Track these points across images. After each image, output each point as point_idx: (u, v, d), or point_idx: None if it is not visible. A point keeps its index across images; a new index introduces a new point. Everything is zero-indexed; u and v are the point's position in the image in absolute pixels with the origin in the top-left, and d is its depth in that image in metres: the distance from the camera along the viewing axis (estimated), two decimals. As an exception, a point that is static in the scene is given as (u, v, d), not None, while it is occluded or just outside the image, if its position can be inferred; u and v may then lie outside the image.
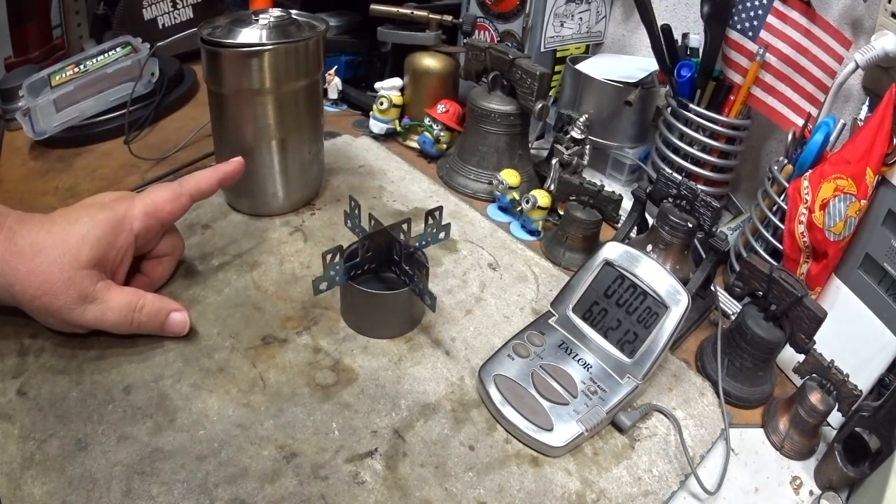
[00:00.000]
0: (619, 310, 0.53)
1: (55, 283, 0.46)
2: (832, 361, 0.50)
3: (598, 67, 0.84)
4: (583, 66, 0.84)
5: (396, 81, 0.88)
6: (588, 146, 0.75)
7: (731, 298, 0.64)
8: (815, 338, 0.51)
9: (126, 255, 0.51)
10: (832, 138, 0.59)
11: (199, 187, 0.55)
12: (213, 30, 0.61)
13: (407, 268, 0.54)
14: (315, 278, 0.51)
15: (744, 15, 0.67)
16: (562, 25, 0.87)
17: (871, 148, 0.54)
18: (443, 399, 0.51)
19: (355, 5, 1.00)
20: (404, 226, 0.55)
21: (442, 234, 0.60)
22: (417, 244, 0.57)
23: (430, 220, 0.58)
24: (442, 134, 0.83)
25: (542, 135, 0.94)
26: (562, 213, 0.71)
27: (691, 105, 0.71)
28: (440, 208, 0.57)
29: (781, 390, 0.57)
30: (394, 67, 0.95)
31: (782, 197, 0.62)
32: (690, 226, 0.60)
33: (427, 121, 0.84)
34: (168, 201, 0.53)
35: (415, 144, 0.87)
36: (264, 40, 0.60)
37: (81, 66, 0.81)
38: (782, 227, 0.61)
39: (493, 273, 0.66)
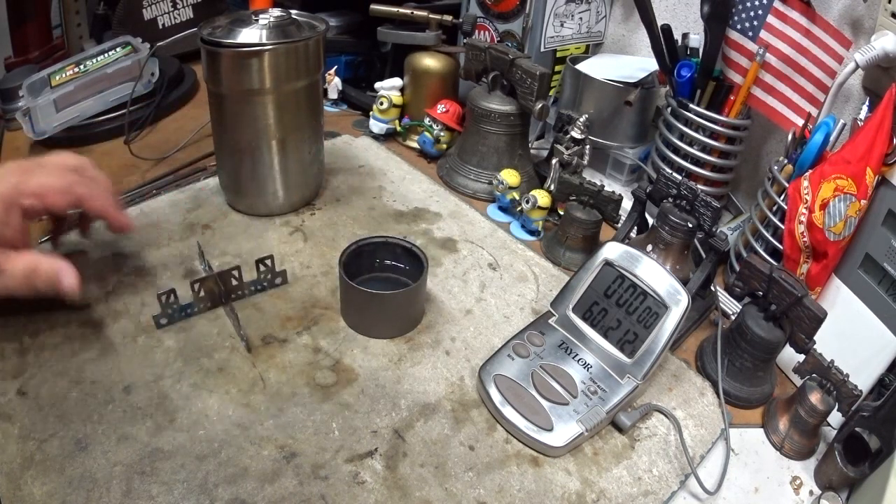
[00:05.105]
0: (619, 310, 0.53)
1: None
2: (832, 361, 0.50)
3: (598, 67, 0.84)
4: (583, 66, 0.84)
5: (396, 81, 0.88)
6: (588, 146, 0.75)
7: (731, 298, 0.64)
8: (815, 338, 0.51)
9: (23, 231, 0.49)
10: (832, 138, 0.59)
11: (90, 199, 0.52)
12: (213, 30, 0.61)
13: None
14: (155, 315, 0.53)
15: (744, 15, 0.67)
16: (562, 25, 0.87)
17: (871, 148, 0.54)
18: (443, 399, 0.51)
19: (355, 5, 1.00)
20: (234, 272, 0.56)
21: (279, 280, 0.60)
22: (251, 289, 0.58)
23: (262, 268, 0.58)
24: (442, 134, 0.83)
25: (542, 135, 0.94)
26: (562, 213, 0.71)
27: (691, 105, 0.71)
28: (271, 257, 0.58)
29: (781, 390, 0.57)
30: (394, 67, 0.95)
31: (782, 197, 0.62)
32: (690, 226, 0.60)
33: (427, 121, 0.83)
34: (58, 193, 0.50)
35: (415, 144, 0.87)
36: (264, 40, 0.60)
37: (81, 66, 0.81)
38: (782, 227, 0.61)
39: (493, 273, 0.66)
